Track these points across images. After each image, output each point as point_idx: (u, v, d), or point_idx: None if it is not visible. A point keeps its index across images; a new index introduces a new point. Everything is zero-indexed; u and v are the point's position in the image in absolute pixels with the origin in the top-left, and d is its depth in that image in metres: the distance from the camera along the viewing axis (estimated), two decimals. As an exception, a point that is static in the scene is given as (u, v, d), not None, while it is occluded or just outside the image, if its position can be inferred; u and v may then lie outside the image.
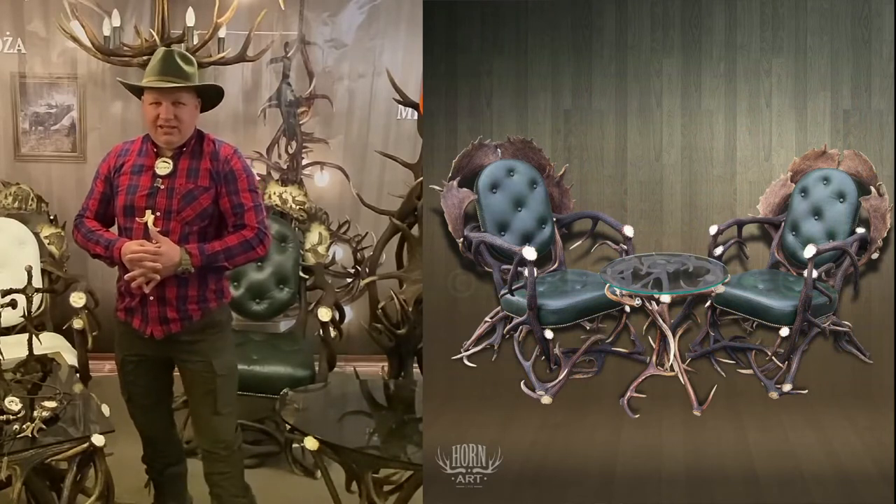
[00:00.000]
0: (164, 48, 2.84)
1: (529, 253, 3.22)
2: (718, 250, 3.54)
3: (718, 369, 3.47)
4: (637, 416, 3.21)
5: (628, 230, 3.58)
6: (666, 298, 3.24)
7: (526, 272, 3.28)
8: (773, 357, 3.44)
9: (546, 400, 3.32)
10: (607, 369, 3.52)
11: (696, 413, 3.21)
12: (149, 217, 2.69)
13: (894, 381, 3.08)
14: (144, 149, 2.80)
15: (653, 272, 3.31)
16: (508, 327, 3.48)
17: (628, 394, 3.31)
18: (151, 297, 2.71)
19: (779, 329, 3.32)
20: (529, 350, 3.45)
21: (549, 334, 3.34)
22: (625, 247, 3.64)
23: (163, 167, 2.74)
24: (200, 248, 2.69)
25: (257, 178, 2.89)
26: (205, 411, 2.84)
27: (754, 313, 3.38)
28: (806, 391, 3.34)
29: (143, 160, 2.77)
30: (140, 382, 2.89)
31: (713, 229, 3.55)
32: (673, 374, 3.31)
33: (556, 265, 3.68)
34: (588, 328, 3.57)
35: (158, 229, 2.67)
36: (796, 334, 3.30)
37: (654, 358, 3.40)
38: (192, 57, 2.81)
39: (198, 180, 2.74)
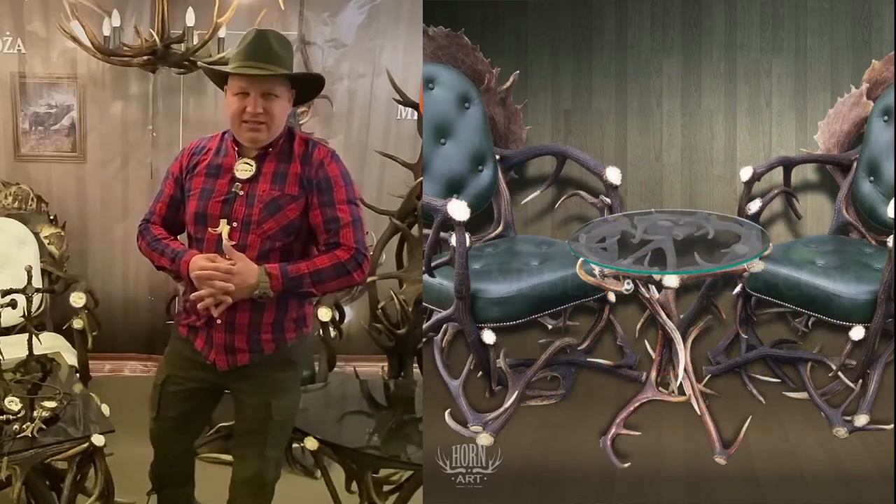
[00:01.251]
0: (256, 29, 2.38)
1: (457, 210, 2.31)
2: (755, 206, 2.60)
3: (754, 391, 2.59)
4: (627, 464, 2.50)
5: (613, 174, 2.64)
6: (672, 282, 2.18)
7: (452, 240, 2.35)
8: (840, 373, 2.51)
9: (485, 440, 2.50)
10: (580, 391, 2.74)
11: (720, 460, 2.39)
12: (223, 227, 2.32)
13: (894, 381, 3.08)
14: (224, 147, 2.40)
15: (652, 240, 2.34)
16: (426, 325, 2.58)
17: (612, 430, 2.44)
18: (219, 321, 2.33)
19: (849, 329, 2.42)
20: (459, 361, 2.63)
21: (488, 337, 2.44)
22: (608, 200, 2.64)
23: (244, 170, 2.35)
24: (283, 268, 2.27)
25: (357, 190, 2.43)
26: (248, 451, 2.48)
27: (810, 305, 2.45)
28: (892, 426, 2.47)
29: (222, 160, 2.39)
30: (180, 406, 2.52)
31: (746, 172, 2.66)
32: (683, 398, 2.40)
33: (499, 229, 2.78)
34: (550, 327, 2.77)
35: (233, 243, 2.29)
36: (876, 337, 2.34)
37: (653, 374, 2.44)
38: (288, 40, 2.41)
39: (285, 187, 2.33)
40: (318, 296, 2.40)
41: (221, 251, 2.29)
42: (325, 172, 2.35)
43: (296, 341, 2.43)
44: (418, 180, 3.87)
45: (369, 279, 4.06)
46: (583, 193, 2.90)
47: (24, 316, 3.05)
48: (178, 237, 2.48)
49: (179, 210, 2.47)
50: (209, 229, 2.33)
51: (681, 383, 2.32)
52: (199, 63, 3.49)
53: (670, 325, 2.33)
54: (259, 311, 2.33)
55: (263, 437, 2.44)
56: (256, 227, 2.31)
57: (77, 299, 3.78)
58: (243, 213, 2.32)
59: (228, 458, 2.69)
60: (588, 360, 2.67)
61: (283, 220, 2.32)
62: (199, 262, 2.27)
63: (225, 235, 2.30)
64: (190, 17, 4.27)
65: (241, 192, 2.34)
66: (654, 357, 2.47)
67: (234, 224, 2.32)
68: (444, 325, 2.57)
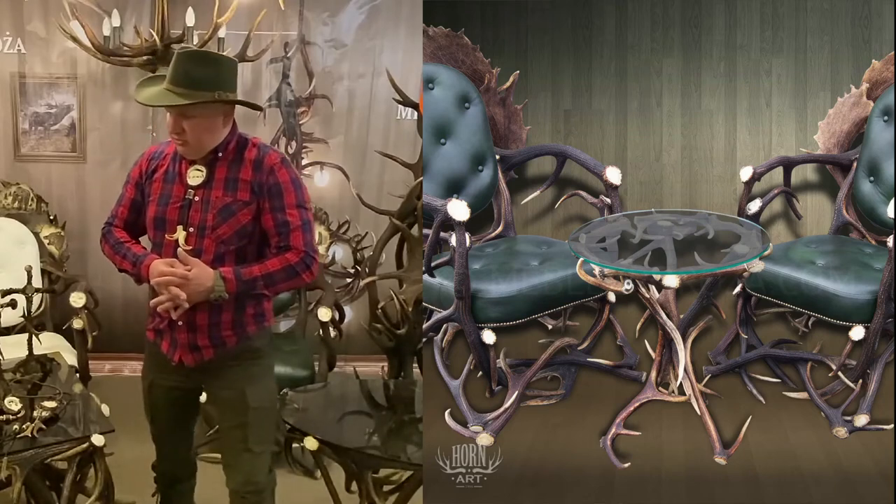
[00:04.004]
0: (178, 51, 2.45)
1: (457, 210, 2.29)
2: (755, 206, 2.62)
3: (754, 391, 2.61)
4: (627, 465, 2.49)
5: (613, 174, 2.65)
6: (672, 281, 2.19)
7: (452, 240, 2.33)
8: (841, 373, 2.53)
9: (485, 440, 2.52)
10: (580, 391, 2.77)
11: (720, 460, 2.40)
12: (180, 234, 2.39)
13: (894, 381, 3.08)
14: (179, 153, 2.45)
15: (652, 240, 2.36)
16: (426, 325, 2.58)
17: (613, 430, 2.44)
18: (180, 323, 2.41)
19: (849, 329, 2.43)
20: (459, 361, 2.64)
21: (488, 337, 2.45)
22: (608, 200, 2.66)
23: (195, 176, 2.40)
24: (237, 271, 2.35)
25: (307, 194, 2.48)
26: (235, 446, 2.52)
27: (810, 305, 2.46)
28: (892, 426, 2.46)
29: (177, 166, 2.44)
30: (165, 408, 2.60)
31: (746, 172, 2.66)
32: (683, 398, 2.43)
33: (499, 229, 2.79)
34: (550, 327, 2.80)
35: (190, 248, 2.37)
36: (876, 337, 2.35)
37: (653, 374, 2.46)
38: (216, 57, 2.45)
39: (237, 193, 2.39)
40: (270, 296, 2.49)
41: (200, 255, 2.36)
42: (275, 178, 2.39)
43: (257, 333, 2.50)
44: (418, 180, 3.87)
45: (369, 279, 4.06)
46: (583, 193, 2.90)
47: (24, 316, 3.05)
48: (141, 240, 2.57)
49: (140, 214, 2.52)
50: (166, 235, 2.41)
51: (681, 383, 2.33)
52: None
53: (670, 325, 2.35)
54: (217, 310, 2.41)
55: (244, 431, 2.49)
56: (211, 232, 2.38)
57: (77, 299, 3.78)
58: (199, 218, 2.39)
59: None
60: (588, 360, 2.66)
61: (235, 224, 2.38)
62: (159, 268, 2.35)
63: (181, 241, 2.38)
64: (190, 17, 4.28)
65: (197, 198, 2.40)
66: (654, 357, 2.47)
67: (191, 229, 2.39)
68: (445, 325, 2.56)
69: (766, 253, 2.27)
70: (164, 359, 2.51)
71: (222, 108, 2.38)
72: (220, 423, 2.61)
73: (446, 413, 2.67)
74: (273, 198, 2.39)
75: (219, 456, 2.63)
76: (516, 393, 2.48)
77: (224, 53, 2.90)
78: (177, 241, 2.39)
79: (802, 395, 2.54)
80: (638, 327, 2.96)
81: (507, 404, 2.50)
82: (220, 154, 2.41)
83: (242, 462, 2.52)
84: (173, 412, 2.62)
